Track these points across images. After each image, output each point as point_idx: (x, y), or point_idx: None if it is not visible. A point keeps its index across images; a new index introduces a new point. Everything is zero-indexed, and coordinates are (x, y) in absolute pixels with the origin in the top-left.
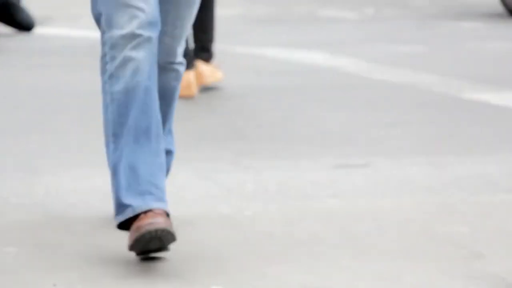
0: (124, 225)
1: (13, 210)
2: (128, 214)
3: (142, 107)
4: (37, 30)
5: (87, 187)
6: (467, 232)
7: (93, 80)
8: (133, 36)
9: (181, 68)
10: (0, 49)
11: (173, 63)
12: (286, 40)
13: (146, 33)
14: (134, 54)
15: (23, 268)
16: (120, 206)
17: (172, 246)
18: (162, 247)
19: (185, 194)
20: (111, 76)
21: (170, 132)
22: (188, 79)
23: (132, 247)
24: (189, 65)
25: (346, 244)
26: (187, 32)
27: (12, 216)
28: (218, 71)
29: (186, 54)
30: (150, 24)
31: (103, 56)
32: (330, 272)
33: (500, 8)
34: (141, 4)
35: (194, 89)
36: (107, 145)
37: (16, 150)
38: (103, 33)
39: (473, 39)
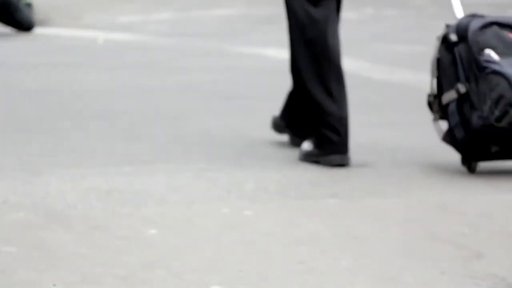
0: None
1: (13, 210)
2: None
3: None
4: (37, 30)
5: (87, 187)
6: (467, 232)
7: (93, 79)
8: None
9: None
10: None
11: None
12: (286, 40)
13: None
14: None
15: (23, 268)
16: None
17: (171, 246)
18: None
19: (185, 194)
20: None
21: None
22: None
23: None
24: None
25: (346, 244)
26: None
27: (12, 216)
28: None
29: None
30: None
31: None
32: (330, 272)
33: (500, 7)
34: None
35: None
36: None
37: (16, 150)
38: None
39: None
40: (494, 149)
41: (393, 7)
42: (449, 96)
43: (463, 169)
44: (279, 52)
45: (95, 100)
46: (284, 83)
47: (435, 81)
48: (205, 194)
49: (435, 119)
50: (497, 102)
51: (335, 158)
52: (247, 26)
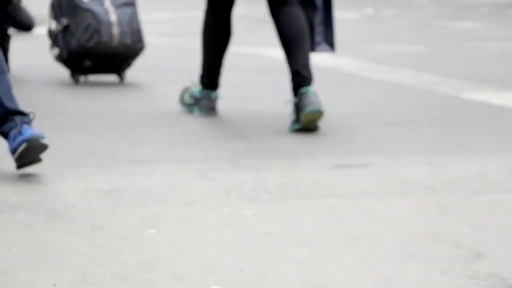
0: None
1: (13, 210)
2: None
3: None
4: (37, 30)
5: (87, 187)
6: (467, 232)
7: (93, 79)
8: None
9: None
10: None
11: None
12: None
13: None
14: None
15: (23, 268)
16: None
17: (171, 246)
18: None
19: (185, 194)
20: None
21: None
22: None
23: None
24: None
25: (346, 244)
26: None
27: (12, 216)
28: None
29: None
30: None
31: None
32: (330, 272)
33: (500, 7)
34: None
35: None
36: None
37: None
38: None
39: (473, 39)
40: (87, 63)
41: (393, 7)
42: (58, 28)
43: (463, 169)
44: (279, 52)
45: (95, 100)
46: (283, 83)
47: (52, 20)
48: (205, 194)
49: (51, 47)
50: (86, 29)
51: None
52: (247, 26)
